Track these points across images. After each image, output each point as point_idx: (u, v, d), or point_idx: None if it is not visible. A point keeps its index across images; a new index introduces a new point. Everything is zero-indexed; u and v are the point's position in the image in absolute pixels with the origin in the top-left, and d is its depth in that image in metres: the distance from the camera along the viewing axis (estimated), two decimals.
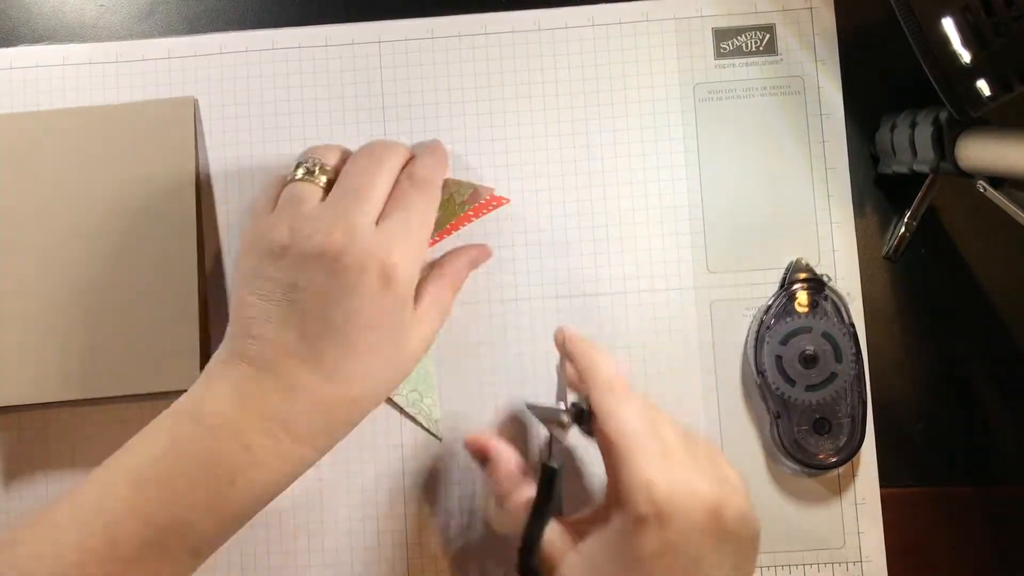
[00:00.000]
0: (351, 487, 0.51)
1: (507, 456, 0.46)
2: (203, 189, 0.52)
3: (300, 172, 0.44)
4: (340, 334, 0.41)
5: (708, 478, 0.40)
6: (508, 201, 0.51)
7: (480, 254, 0.50)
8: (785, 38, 0.52)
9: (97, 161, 0.51)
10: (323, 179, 0.44)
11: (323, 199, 0.43)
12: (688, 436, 0.42)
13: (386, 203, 0.44)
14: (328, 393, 0.41)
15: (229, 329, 0.43)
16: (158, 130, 0.51)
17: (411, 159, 0.46)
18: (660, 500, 0.39)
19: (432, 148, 0.47)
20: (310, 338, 0.41)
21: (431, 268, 0.48)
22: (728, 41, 0.52)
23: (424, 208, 0.44)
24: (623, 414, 0.42)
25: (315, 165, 0.44)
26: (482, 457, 0.47)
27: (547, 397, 0.51)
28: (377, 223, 0.43)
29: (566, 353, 0.45)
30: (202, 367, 0.50)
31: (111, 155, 0.51)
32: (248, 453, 0.40)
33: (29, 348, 0.50)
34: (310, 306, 0.41)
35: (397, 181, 0.45)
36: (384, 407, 0.51)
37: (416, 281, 0.44)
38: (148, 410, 0.51)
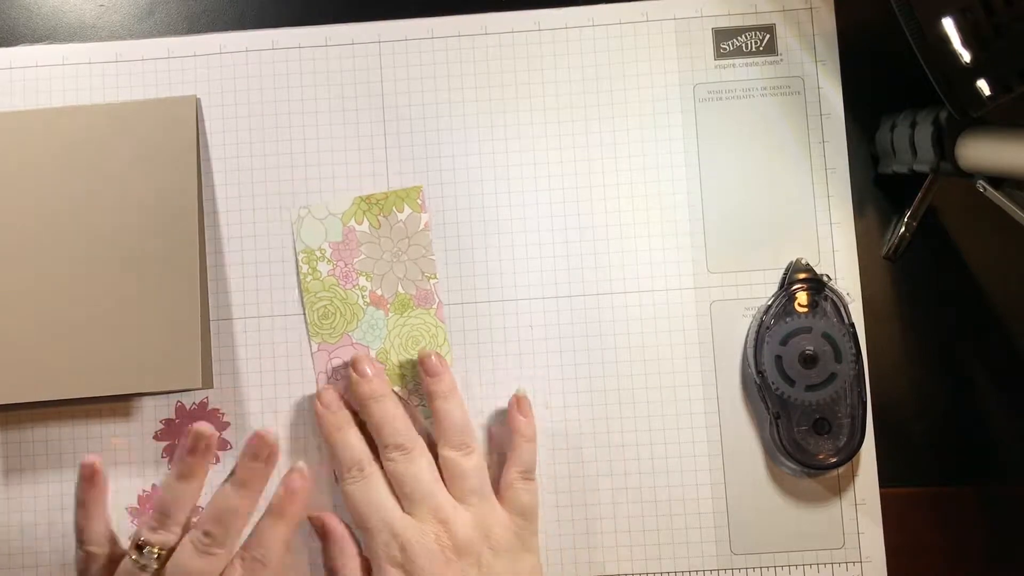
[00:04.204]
0: None
1: (342, 535, 0.49)
2: (204, 188, 0.52)
3: (137, 557, 0.46)
4: None
5: None
6: None
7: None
8: (785, 38, 0.52)
9: (99, 159, 0.51)
10: (155, 566, 0.46)
11: None
12: None
13: None
14: None
15: None
16: (160, 129, 0.51)
17: (257, 529, 0.48)
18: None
19: (277, 512, 0.48)
20: None
21: None
22: (728, 41, 0.52)
23: None
24: None
25: (151, 552, 0.46)
26: (321, 533, 0.50)
27: (543, 396, 0.51)
28: None
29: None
30: (203, 367, 0.50)
31: (113, 153, 0.51)
32: None
33: (30, 346, 0.50)
34: None
35: (235, 559, 0.47)
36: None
37: None
38: (150, 409, 0.51)
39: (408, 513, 0.47)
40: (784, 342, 0.49)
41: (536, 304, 0.51)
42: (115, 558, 0.47)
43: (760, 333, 0.49)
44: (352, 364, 0.49)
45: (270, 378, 0.51)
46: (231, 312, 0.52)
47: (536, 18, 0.53)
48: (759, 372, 0.49)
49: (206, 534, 0.46)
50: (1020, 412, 0.51)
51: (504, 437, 0.50)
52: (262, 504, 0.49)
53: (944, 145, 0.45)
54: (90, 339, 0.50)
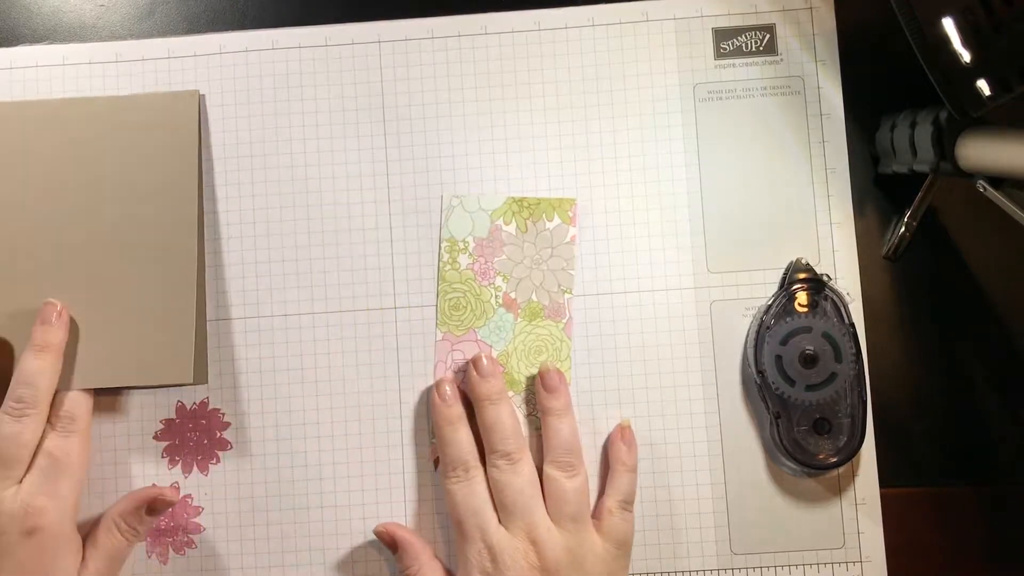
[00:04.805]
0: (351, 487, 0.51)
1: (412, 542, 0.49)
2: (204, 187, 0.52)
3: None
4: None
5: None
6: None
7: (157, 503, 0.49)
8: (785, 38, 0.52)
9: (100, 151, 0.51)
10: None
11: None
12: None
13: (35, 454, 0.48)
14: None
15: None
16: (162, 123, 0.51)
17: (63, 398, 0.49)
18: None
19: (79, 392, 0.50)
20: None
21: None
22: (728, 41, 0.52)
23: (69, 448, 0.48)
24: None
25: None
26: (391, 544, 0.50)
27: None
28: (24, 478, 0.47)
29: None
30: (196, 362, 0.50)
31: (114, 146, 0.51)
32: None
33: (24, 338, 0.50)
34: None
35: (47, 427, 0.48)
36: (386, 407, 0.51)
37: (68, 516, 0.47)
38: (150, 409, 0.51)
39: (503, 524, 0.47)
40: (784, 342, 0.49)
41: None
42: None
43: (760, 333, 0.49)
44: (473, 361, 0.50)
45: (270, 378, 0.51)
46: (230, 312, 0.52)
47: (536, 18, 0.53)
48: (759, 372, 0.49)
49: (17, 400, 0.47)
50: (1020, 412, 0.51)
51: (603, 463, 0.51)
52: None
53: (944, 145, 0.45)
54: (86, 331, 0.50)
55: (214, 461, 0.51)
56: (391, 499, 0.51)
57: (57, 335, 0.49)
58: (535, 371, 0.51)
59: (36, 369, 0.48)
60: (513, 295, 0.51)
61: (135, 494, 0.50)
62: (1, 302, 0.50)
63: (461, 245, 0.51)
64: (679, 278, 0.51)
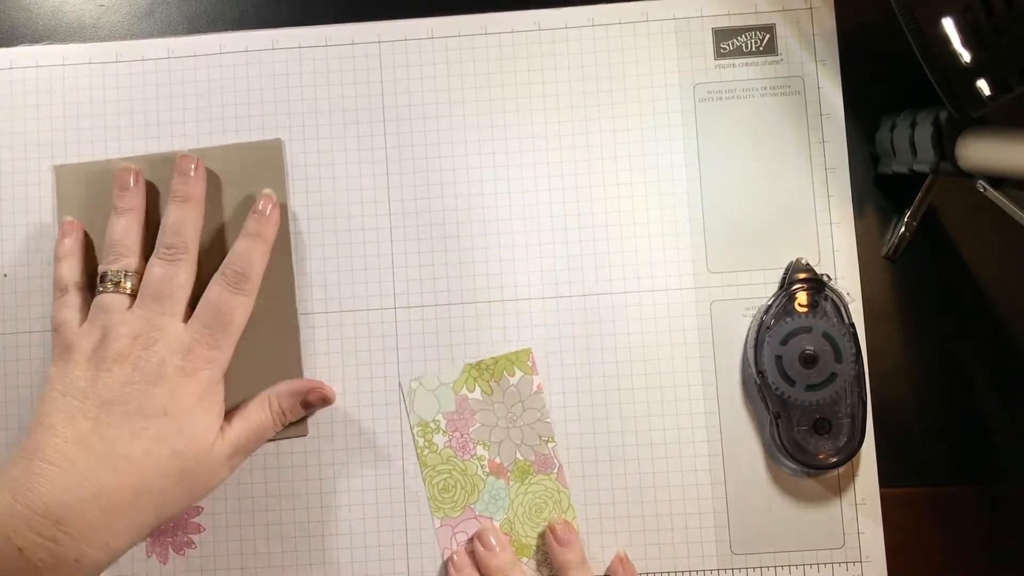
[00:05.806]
0: (351, 487, 0.51)
1: None
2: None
3: (107, 285, 0.47)
4: (131, 418, 0.44)
5: None
6: None
7: (315, 395, 0.50)
8: (785, 38, 0.52)
9: None
10: (128, 286, 0.47)
11: (130, 305, 0.47)
12: None
13: (200, 300, 0.48)
14: (107, 482, 0.43)
15: (28, 424, 0.45)
16: (248, 174, 0.51)
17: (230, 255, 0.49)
18: None
19: (253, 238, 0.49)
20: (101, 427, 0.44)
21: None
22: (728, 41, 0.52)
23: (235, 304, 0.47)
24: None
25: (118, 275, 0.47)
26: None
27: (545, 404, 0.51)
28: (186, 320, 0.47)
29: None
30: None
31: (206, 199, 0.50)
32: (22, 557, 0.41)
33: None
34: (108, 396, 0.44)
35: (218, 277, 0.48)
36: (386, 407, 0.51)
37: (220, 374, 0.47)
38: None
39: None
40: (784, 342, 0.49)
41: (536, 304, 0.51)
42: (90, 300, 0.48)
43: (760, 333, 0.49)
44: (478, 537, 0.49)
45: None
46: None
47: (536, 18, 0.53)
48: (759, 372, 0.49)
49: (167, 247, 0.47)
50: (1020, 412, 0.51)
51: None
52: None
53: (944, 145, 0.45)
54: None
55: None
56: (390, 499, 0.51)
57: (197, 185, 0.49)
58: (541, 529, 0.50)
59: (180, 218, 0.48)
60: (498, 460, 0.50)
61: (296, 382, 0.50)
62: None
63: (433, 425, 0.51)
64: (679, 278, 0.51)
